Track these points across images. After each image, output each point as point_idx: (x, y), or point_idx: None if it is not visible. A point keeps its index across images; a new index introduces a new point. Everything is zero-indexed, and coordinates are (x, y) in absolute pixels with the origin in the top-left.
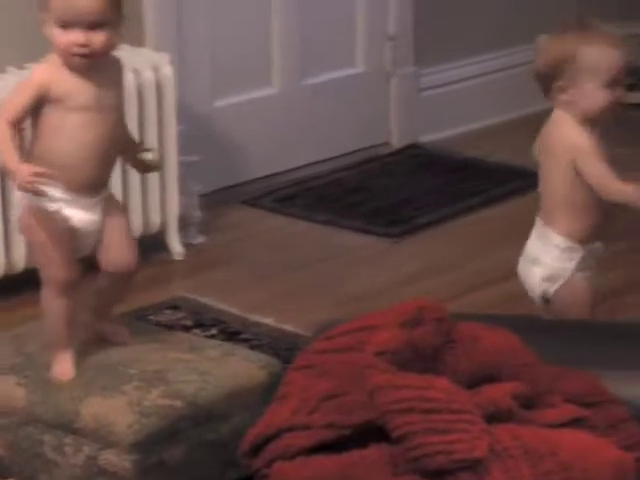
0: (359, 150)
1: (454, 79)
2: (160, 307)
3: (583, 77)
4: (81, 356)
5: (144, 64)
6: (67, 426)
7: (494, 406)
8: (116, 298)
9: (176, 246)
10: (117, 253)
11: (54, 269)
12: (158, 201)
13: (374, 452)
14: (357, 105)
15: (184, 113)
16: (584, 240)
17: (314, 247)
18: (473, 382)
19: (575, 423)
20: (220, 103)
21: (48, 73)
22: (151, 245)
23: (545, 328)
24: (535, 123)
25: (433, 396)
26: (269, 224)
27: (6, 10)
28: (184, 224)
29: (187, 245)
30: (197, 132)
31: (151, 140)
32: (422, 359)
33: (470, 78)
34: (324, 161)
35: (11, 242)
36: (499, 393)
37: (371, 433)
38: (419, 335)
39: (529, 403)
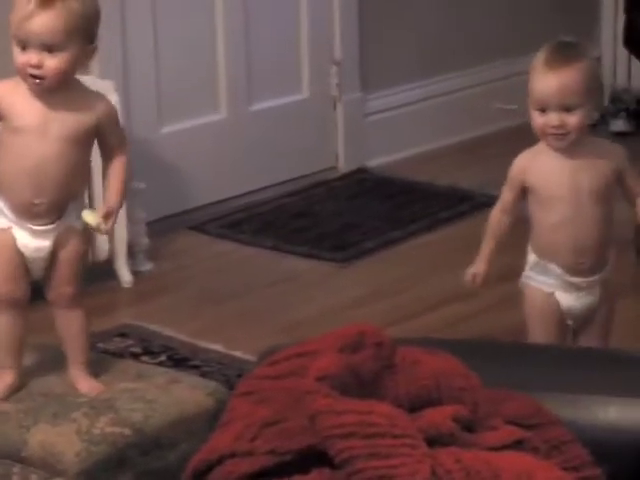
0: (306, 175)
1: (400, 103)
2: (109, 335)
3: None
4: (30, 382)
5: None
6: (15, 455)
7: (435, 430)
8: (73, 338)
9: (124, 274)
10: (56, 287)
11: None
12: None
13: (316, 477)
14: (304, 130)
15: (130, 140)
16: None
17: (261, 272)
18: (414, 406)
19: (517, 445)
20: (166, 130)
21: (3, 88)
22: (99, 273)
23: (486, 352)
24: (481, 146)
25: (375, 421)
26: (216, 250)
27: None
28: (132, 251)
29: (135, 272)
30: (143, 159)
31: (97, 168)
32: (363, 384)
33: (416, 102)
34: (271, 186)
35: None
36: (440, 416)
37: (313, 459)
38: (359, 360)
39: (471, 426)
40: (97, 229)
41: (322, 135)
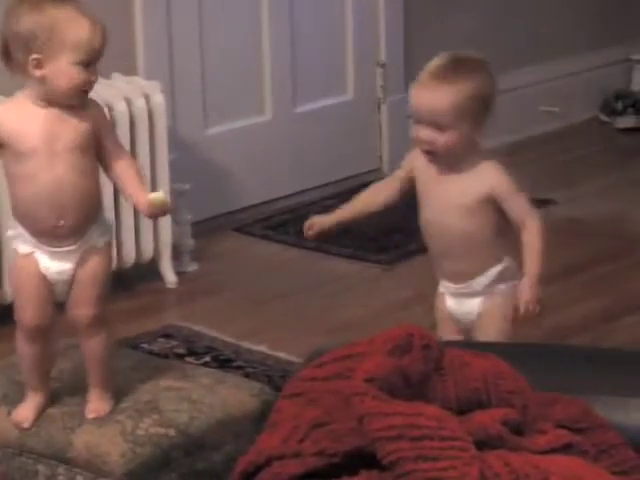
0: (350, 177)
1: None
2: (153, 335)
3: None
4: (74, 384)
5: (136, 92)
6: (60, 456)
7: (484, 432)
8: (92, 361)
9: (169, 274)
10: (75, 309)
11: (21, 314)
12: (151, 230)
13: (364, 479)
14: (348, 132)
15: (176, 141)
16: None
17: (306, 274)
18: (463, 409)
19: (566, 449)
20: (212, 131)
21: (2, 114)
22: (144, 274)
23: (534, 354)
24: (523, 149)
25: (423, 423)
26: (261, 251)
27: None
28: (177, 252)
29: (180, 273)
30: (189, 160)
31: (143, 168)
32: (411, 386)
33: None
34: (315, 188)
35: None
36: (489, 419)
37: (361, 460)
38: (408, 362)
39: (519, 429)
40: (165, 204)
41: (366, 137)
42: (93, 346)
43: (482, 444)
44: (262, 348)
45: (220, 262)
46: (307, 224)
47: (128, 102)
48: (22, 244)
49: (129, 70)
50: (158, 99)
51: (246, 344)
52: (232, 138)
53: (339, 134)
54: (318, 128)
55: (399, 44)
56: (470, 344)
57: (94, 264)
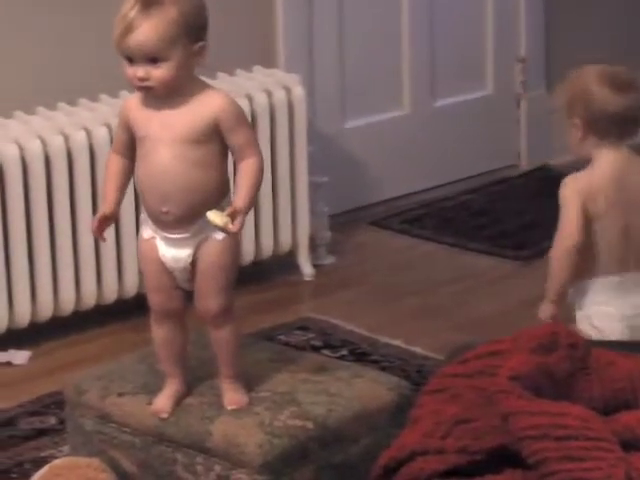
0: (487, 172)
1: None
2: (290, 327)
3: None
4: (213, 375)
5: (276, 85)
6: (198, 446)
7: (631, 433)
8: (221, 352)
9: (306, 267)
10: (199, 300)
11: (149, 296)
12: (289, 221)
13: (508, 478)
14: (487, 127)
15: (314, 134)
16: None
17: (442, 268)
18: (608, 409)
19: None
20: (350, 124)
21: (128, 103)
22: (282, 266)
23: None
24: None
25: (568, 423)
26: (397, 245)
27: None
28: (314, 245)
29: (317, 266)
30: (327, 153)
31: (282, 160)
32: (556, 385)
33: None
34: (452, 183)
35: None
36: (636, 420)
37: (503, 459)
38: (553, 361)
39: None
40: (224, 228)
41: (505, 132)
42: (220, 338)
43: (628, 445)
44: (398, 342)
45: (356, 255)
46: None
47: (268, 94)
48: (145, 228)
49: (270, 63)
50: (298, 92)
51: (382, 338)
52: (370, 132)
53: (477, 129)
54: (456, 123)
55: (540, 39)
56: (615, 343)
57: (213, 256)
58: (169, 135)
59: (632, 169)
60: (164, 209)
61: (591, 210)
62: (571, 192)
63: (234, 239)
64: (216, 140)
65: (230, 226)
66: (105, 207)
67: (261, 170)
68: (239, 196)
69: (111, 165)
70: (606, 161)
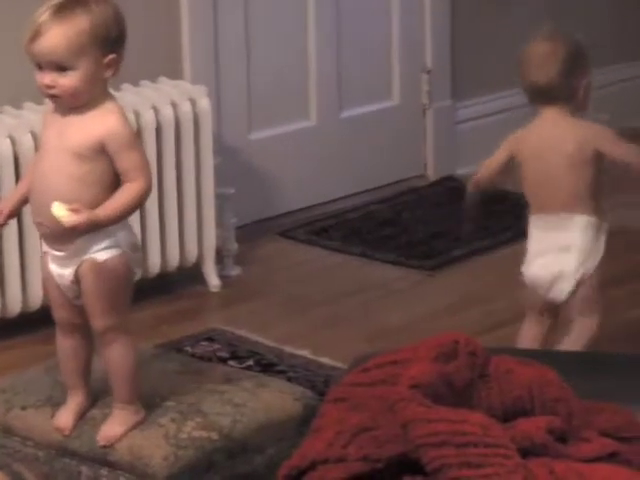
0: (394, 182)
1: (490, 111)
2: (196, 339)
3: None
4: None
5: (181, 96)
6: (102, 459)
7: (529, 440)
8: (110, 373)
9: (213, 278)
10: (90, 316)
11: (52, 309)
12: (195, 233)
13: None
14: (393, 138)
15: (220, 145)
16: (603, 218)
17: (349, 279)
18: (507, 416)
19: (610, 458)
20: (256, 136)
21: (49, 105)
22: (188, 277)
23: (580, 362)
24: None
25: (468, 430)
26: (304, 256)
27: None
28: (220, 256)
29: (223, 277)
30: (234, 164)
31: (188, 172)
32: (456, 393)
33: (506, 110)
34: (360, 193)
35: None
36: (534, 427)
37: (405, 466)
38: (453, 369)
39: (564, 437)
40: (60, 218)
41: (411, 143)
42: (109, 358)
43: (526, 452)
44: (305, 353)
45: (263, 266)
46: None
47: (174, 106)
48: (44, 242)
49: (175, 74)
50: (204, 103)
51: (289, 348)
52: (277, 143)
53: (384, 140)
54: (363, 133)
55: (445, 51)
56: (516, 350)
57: (95, 278)
58: (60, 146)
59: (555, 125)
60: (38, 219)
61: (517, 158)
62: (505, 141)
63: (122, 264)
64: (105, 160)
65: (66, 218)
66: (2, 204)
67: (140, 196)
68: (103, 206)
69: (31, 166)
70: (536, 120)
